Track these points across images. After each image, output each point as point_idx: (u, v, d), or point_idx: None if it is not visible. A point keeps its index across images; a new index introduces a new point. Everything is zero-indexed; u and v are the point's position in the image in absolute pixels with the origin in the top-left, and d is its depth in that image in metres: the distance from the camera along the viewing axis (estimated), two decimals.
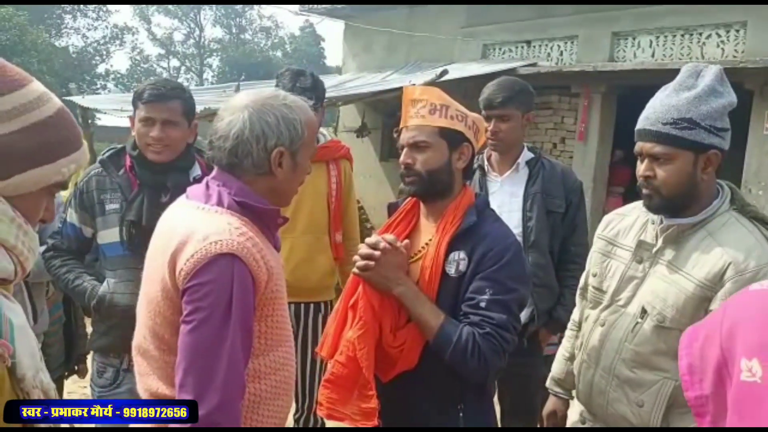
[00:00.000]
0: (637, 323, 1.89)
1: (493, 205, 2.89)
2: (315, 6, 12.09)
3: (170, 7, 39.24)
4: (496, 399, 3.00)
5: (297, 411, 3.24)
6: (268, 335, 1.58)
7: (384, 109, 10.50)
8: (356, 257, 1.91)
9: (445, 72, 7.97)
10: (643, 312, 1.88)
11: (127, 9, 42.69)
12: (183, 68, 42.21)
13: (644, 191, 1.86)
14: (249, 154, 1.57)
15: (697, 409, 0.88)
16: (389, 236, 1.91)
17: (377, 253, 1.85)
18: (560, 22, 8.60)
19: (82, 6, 34.05)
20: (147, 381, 1.61)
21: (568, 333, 2.32)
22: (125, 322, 1.97)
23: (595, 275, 2.07)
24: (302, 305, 3.09)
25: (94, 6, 34.57)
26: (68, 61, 29.67)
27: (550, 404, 2.35)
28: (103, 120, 15.20)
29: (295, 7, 12.64)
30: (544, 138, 8.66)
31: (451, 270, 1.85)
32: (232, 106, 1.61)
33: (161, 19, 44.00)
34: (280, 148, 1.58)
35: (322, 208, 3.14)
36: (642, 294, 1.90)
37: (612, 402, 1.94)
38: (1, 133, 1.05)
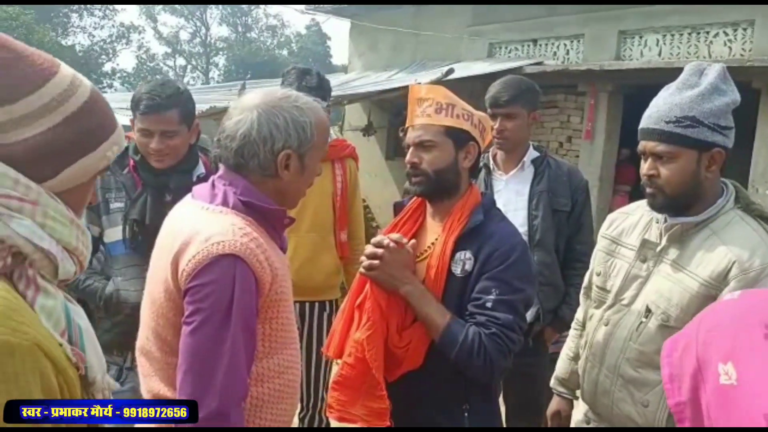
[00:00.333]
0: (641, 322, 1.88)
1: (499, 203, 2.88)
2: (321, 5, 12.08)
3: (176, 5, 39.32)
4: (501, 399, 3.01)
5: (302, 410, 3.24)
6: (272, 337, 1.56)
7: (390, 108, 10.50)
8: (362, 257, 1.91)
9: (451, 71, 7.96)
10: (648, 311, 1.87)
11: (133, 8, 42.72)
12: (189, 67, 42.29)
13: (648, 190, 1.85)
14: (255, 155, 1.55)
15: (678, 415, 0.93)
16: (395, 235, 1.91)
17: (382, 251, 1.85)
18: (567, 21, 8.57)
19: (88, 5, 34.14)
20: (150, 382, 1.60)
21: (572, 332, 2.31)
22: (129, 320, 1.97)
23: (599, 274, 2.07)
24: (307, 304, 3.09)
25: (100, 5, 34.66)
26: (75, 59, 29.68)
27: (554, 404, 2.34)
28: None
29: (301, 6, 12.61)
30: (551, 137, 8.64)
31: (457, 269, 1.84)
32: (241, 105, 1.59)
33: (167, 18, 44.32)
34: (288, 151, 1.56)
35: (327, 207, 3.14)
36: (646, 293, 1.90)
37: (617, 402, 1.94)
38: (45, 128, 0.99)
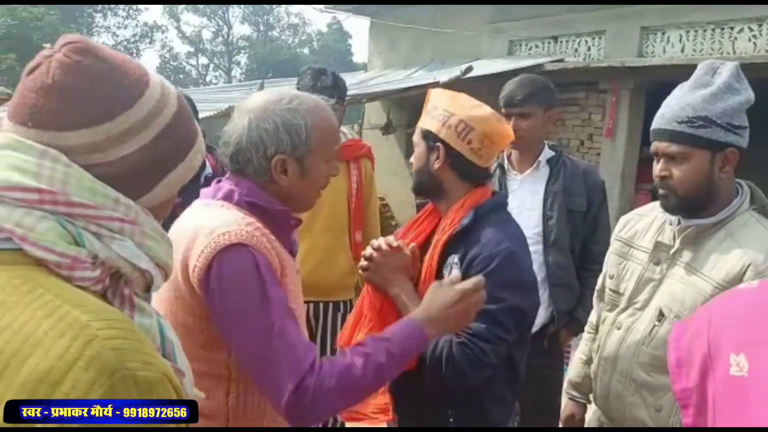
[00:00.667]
0: (654, 326, 1.85)
1: (513, 203, 2.88)
2: (340, 4, 12.08)
3: (199, 5, 39.61)
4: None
5: None
6: None
7: (409, 107, 10.47)
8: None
9: (469, 69, 7.91)
10: (661, 315, 1.84)
11: (156, 7, 43.14)
12: (211, 66, 42.61)
13: (660, 191, 1.82)
14: (249, 161, 1.52)
15: (683, 401, 0.91)
16: (390, 238, 1.91)
17: (371, 252, 1.86)
18: (588, 17, 8.48)
19: (112, 5, 34.52)
20: None
21: (585, 336, 2.28)
22: None
23: (612, 277, 2.04)
24: (321, 304, 3.09)
25: (124, 5, 35.04)
26: None
27: (568, 408, 2.32)
28: None
29: (321, 5, 12.61)
30: (571, 135, 8.55)
31: (446, 273, 1.80)
32: (239, 109, 1.57)
33: (190, 17, 44.65)
34: (281, 156, 1.51)
35: (341, 207, 3.14)
36: (659, 296, 1.86)
37: (630, 407, 1.91)
38: (142, 144, 0.92)
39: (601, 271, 2.26)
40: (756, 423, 0.78)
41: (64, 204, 0.85)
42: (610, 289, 2.04)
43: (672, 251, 1.86)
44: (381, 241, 1.88)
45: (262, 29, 42.36)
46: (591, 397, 2.18)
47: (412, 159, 1.94)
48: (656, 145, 1.80)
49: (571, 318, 2.84)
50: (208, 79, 41.45)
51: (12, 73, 18.77)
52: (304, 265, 2.49)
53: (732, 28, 7.31)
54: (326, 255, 3.07)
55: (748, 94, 1.74)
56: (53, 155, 0.86)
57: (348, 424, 3.46)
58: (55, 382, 0.74)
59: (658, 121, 1.79)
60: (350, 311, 2.56)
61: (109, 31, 36.08)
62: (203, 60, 42.57)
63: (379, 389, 1.50)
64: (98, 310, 0.81)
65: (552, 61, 8.42)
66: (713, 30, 7.47)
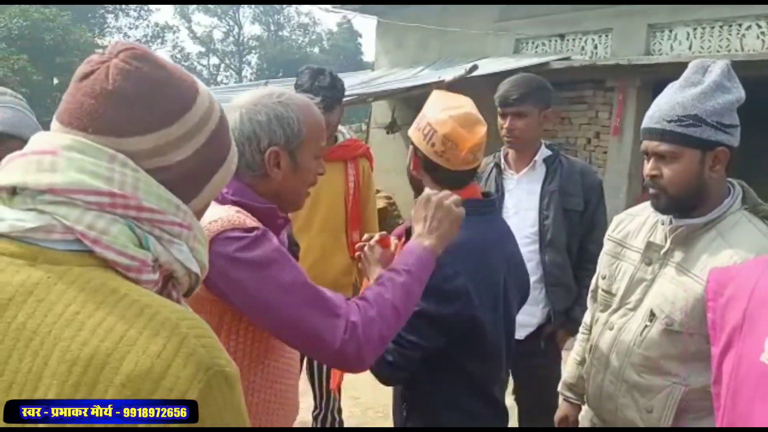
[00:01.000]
0: (645, 327, 1.83)
1: (510, 203, 2.88)
2: (347, 4, 12.08)
3: (210, 5, 39.78)
4: (514, 400, 2.98)
5: (315, 408, 3.25)
6: (271, 338, 1.52)
7: (415, 106, 10.42)
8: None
9: (474, 67, 7.88)
10: (652, 315, 1.82)
11: (167, 8, 43.35)
12: (222, 66, 42.79)
13: (651, 191, 1.80)
14: (242, 155, 1.50)
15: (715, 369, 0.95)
16: (383, 233, 1.93)
17: (360, 245, 1.88)
18: (594, 15, 8.43)
19: (123, 5, 34.71)
20: None
21: (579, 336, 2.27)
22: None
23: (604, 277, 2.02)
24: None
25: (135, 5, 35.23)
26: None
27: (562, 409, 2.30)
28: None
29: (328, 5, 12.61)
30: (578, 133, 8.51)
31: None
32: (226, 108, 1.58)
33: (201, 18, 44.84)
34: (275, 148, 1.51)
35: (339, 207, 3.14)
36: (651, 297, 1.85)
37: (621, 407, 1.89)
38: (195, 148, 0.95)
39: None
40: None
41: (134, 208, 0.87)
42: (603, 290, 2.02)
43: (663, 251, 1.84)
44: (372, 235, 1.89)
45: (272, 29, 42.51)
46: (585, 398, 2.17)
47: None
48: (646, 144, 1.79)
49: (568, 318, 2.82)
50: (219, 79, 41.62)
51: (24, 74, 18.88)
52: (301, 265, 2.48)
53: (740, 25, 7.25)
54: (323, 255, 3.07)
55: (738, 93, 1.72)
56: (122, 160, 0.87)
57: (348, 424, 3.47)
58: (157, 378, 0.77)
59: (648, 120, 1.78)
60: None
61: (120, 31, 36.32)
62: (214, 60, 42.81)
63: (412, 309, 1.50)
64: (180, 310, 0.84)
65: (558, 60, 8.38)
66: (721, 27, 7.40)
